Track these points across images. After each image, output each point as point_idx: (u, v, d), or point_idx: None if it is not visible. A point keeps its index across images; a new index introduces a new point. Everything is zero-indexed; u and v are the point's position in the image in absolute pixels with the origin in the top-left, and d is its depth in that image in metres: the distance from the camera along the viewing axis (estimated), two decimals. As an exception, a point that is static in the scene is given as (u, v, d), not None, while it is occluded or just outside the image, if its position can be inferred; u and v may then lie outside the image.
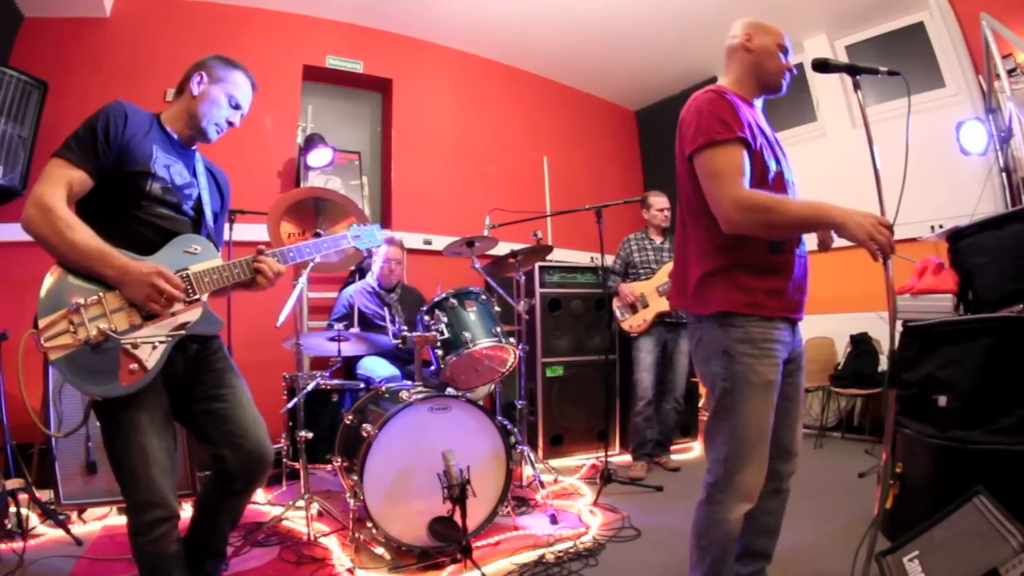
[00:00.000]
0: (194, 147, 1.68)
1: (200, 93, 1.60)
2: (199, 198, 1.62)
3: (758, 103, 1.62)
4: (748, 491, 1.47)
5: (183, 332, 1.45)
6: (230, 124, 1.65)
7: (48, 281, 1.34)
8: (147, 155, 1.48)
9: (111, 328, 1.34)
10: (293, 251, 1.66)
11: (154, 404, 1.43)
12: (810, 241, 1.59)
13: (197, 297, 1.48)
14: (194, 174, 1.63)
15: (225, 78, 1.62)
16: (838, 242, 1.50)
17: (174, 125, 1.61)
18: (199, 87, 1.60)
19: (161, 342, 1.41)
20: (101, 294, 1.35)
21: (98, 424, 2.62)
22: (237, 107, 1.64)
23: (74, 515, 2.59)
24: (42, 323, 1.31)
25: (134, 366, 1.37)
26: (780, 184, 1.52)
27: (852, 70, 1.50)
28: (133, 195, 1.46)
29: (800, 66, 4.63)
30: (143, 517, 1.38)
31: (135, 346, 1.37)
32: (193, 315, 1.48)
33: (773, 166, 1.51)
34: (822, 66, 1.53)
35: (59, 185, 1.35)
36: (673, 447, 3.77)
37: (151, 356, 1.39)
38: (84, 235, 1.33)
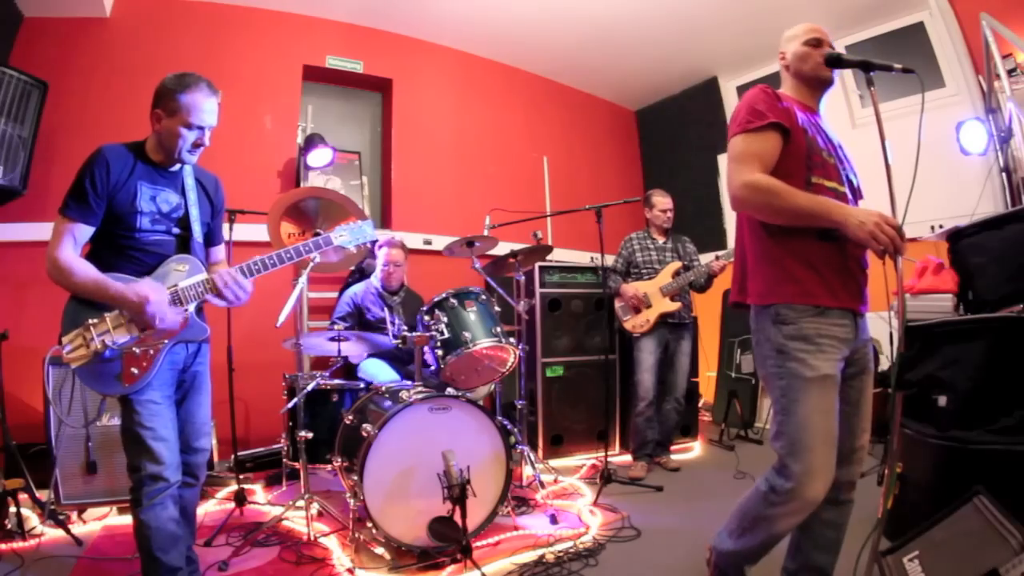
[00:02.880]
0: (180, 167, 1.79)
1: (162, 129, 1.69)
2: (186, 216, 1.78)
3: (822, 108, 1.66)
4: (806, 504, 1.43)
5: (167, 341, 1.68)
6: (199, 144, 1.72)
7: (66, 308, 1.64)
8: (132, 195, 1.67)
9: (113, 341, 1.61)
10: (274, 258, 1.82)
11: (160, 390, 1.67)
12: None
13: (185, 309, 1.71)
14: (182, 194, 1.78)
15: (178, 108, 1.66)
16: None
17: (155, 156, 1.74)
18: (159, 123, 1.69)
19: (156, 349, 1.67)
20: (106, 315, 1.62)
21: (99, 424, 2.66)
22: (201, 128, 1.70)
23: (74, 515, 2.59)
24: (64, 340, 1.59)
25: (134, 369, 1.63)
26: (831, 172, 1.53)
27: (866, 66, 1.49)
28: (126, 229, 1.67)
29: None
30: (145, 488, 1.61)
31: (134, 354, 1.64)
32: (181, 324, 1.70)
33: (825, 156, 1.53)
34: (835, 61, 1.54)
35: (63, 238, 1.61)
36: (673, 447, 3.76)
37: (147, 361, 1.65)
38: (82, 276, 1.59)
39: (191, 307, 1.72)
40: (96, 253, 1.69)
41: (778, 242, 1.49)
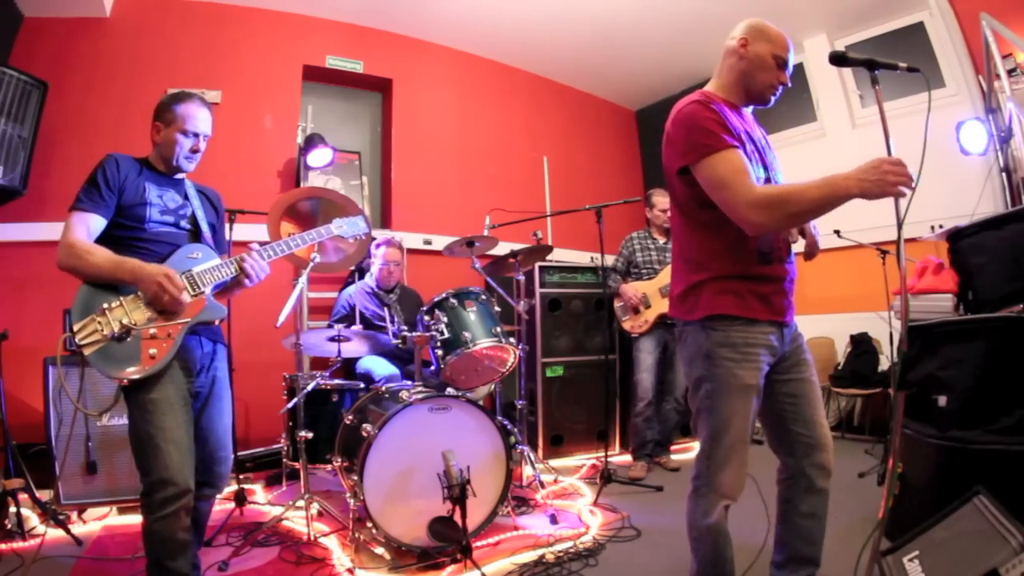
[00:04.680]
0: (181, 176, 1.90)
1: (161, 139, 1.82)
2: (193, 214, 1.86)
3: (747, 109, 1.62)
4: (727, 489, 1.50)
5: (190, 320, 1.69)
6: (195, 151, 1.84)
7: (78, 295, 1.60)
8: (141, 191, 1.76)
9: (131, 322, 1.59)
10: (281, 245, 1.89)
11: (174, 389, 1.65)
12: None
13: (202, 291, 1.72)
14: (186, 197, 1.88)
15: (175, 117, 1.80)
16: (838, 243, 1.49)
17: (158, 165, 1.85)
18: (158, 135, 1.82)
19: (174, 331, 1.66)
20: (122, 298, 1.61)
21: (99, 424, 2.66)
22: (196, 135, 1.82)
23: (74, 515, 2.59)
24: (76, 327, 1.55)
25: (153, 351, 1.61)
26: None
27: (870, 65, 1.46)
28: (138, 221, 1.73)
29: (800, 66, 4.65)
30: (156, 496, 1.55)
31: (153, 336, 1.62)
32: (199, 306, 1.72)
33: (761, 173, 1.52)
34: (840, 60, 1.50)
35: (78, 227, 1.64)
36: (673, 447, 3.77)
37: (166, 343, 1.64)
38: (100, 256, 1.61)
39: (208, 290, 1.73)
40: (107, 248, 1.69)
41: (715, 263, 1.50)
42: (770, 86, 1.54)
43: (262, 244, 1.86)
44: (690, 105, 1.48)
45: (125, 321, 1.58)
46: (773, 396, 1.57)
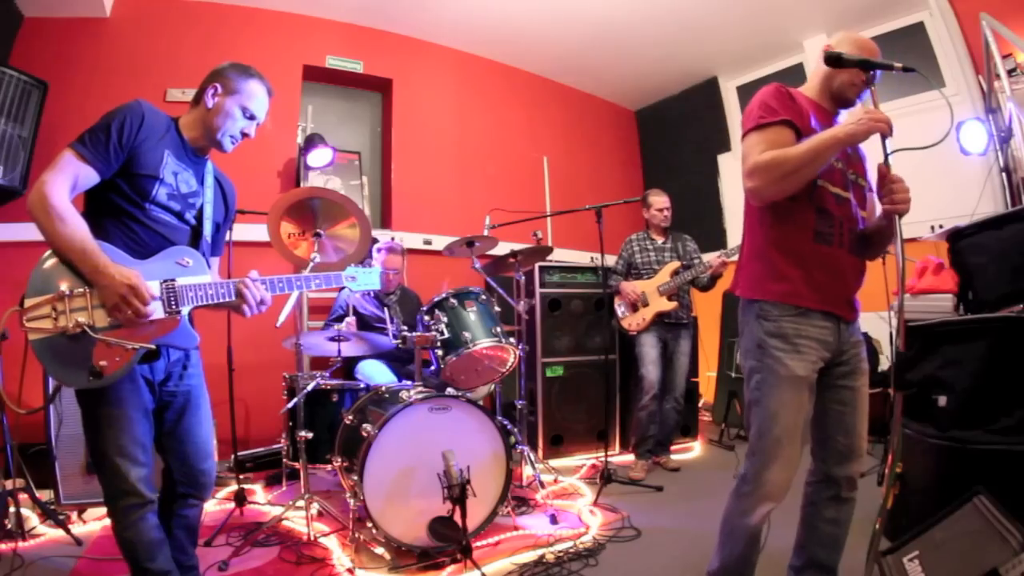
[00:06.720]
0: (207, 156, 1.69)
1: (215, 106, 1.60)
2: (202, 208, 1.63)
3: (842, 114, 1.63)
4: (772, 488, 1.48)
5: (151, 345, 1.43)
6: (244, 135, 1.65)
7: (42, 263, 1.37)
8: (157, 160, 1.51)
9: (89, 323, 1.35)
10: (283, 282, 1.65)
11: (132, 400, 1.45)
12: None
13: (178, 310, 1.48)
14: (202, 183, 1.64)
15: (240, 89, 1.61)
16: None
17: (189, 133, 1.61)
18: (213, 100, 1.60)
19: (133, 347, 1.40)
20: (87, 288, 1.37)
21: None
22: (252, 118, 1.65)
23: (74, 515, 2.59)
24: (27, 303, 1.33)
25: (104, 362, 1.37)
26: (836, 177, 1.53)
27: (866, 65, 1.48)
28: (139, 196, 1.48)
29: (800, 66, 4.65)
30: (118, 504, 1.45)
31: (108, 345, 1.37)
32: (169, 326, 1.48)
33: (833, 162, 1.52)
34: (835, 60, 1.51)
35: (65, 175, 1.38)
36: (673, 447, 3.76)
37: (121, 358, 1.40)
38: (71, 229, 1.35)
39: (185, 310, 1.50)
40: (92, 216, 1.45)
41: (771, 238, 1.51)
42: (849, 84, 1.56)
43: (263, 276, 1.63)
44: (769, 85, 1.53)
45: (83, 320, 1.34)
46: (822, 399, 1.56)
